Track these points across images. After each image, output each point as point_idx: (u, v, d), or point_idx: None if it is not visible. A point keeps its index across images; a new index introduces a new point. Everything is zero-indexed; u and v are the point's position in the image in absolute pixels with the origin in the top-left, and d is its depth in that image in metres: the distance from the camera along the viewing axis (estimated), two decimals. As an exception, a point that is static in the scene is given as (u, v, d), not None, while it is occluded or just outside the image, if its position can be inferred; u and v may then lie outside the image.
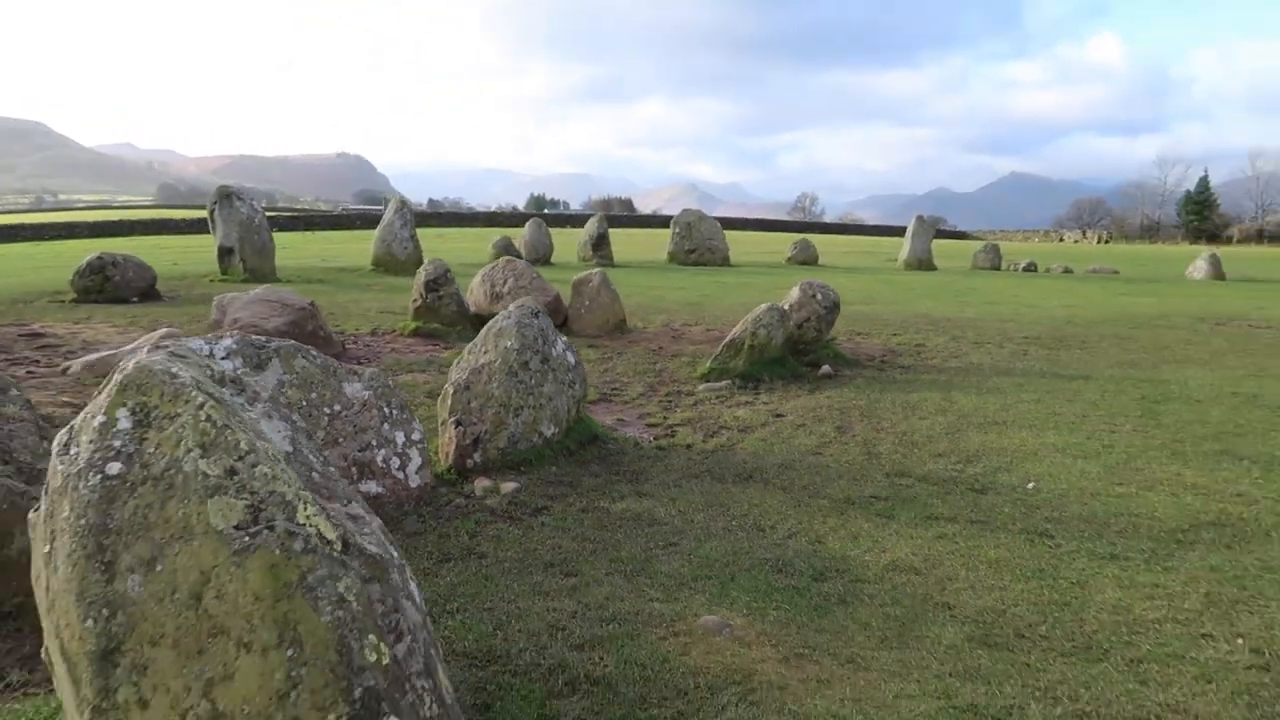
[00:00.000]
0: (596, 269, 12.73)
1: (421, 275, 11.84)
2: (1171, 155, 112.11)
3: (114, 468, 2.08)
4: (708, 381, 8.95)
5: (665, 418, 7.58)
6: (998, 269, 30.85)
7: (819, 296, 10.19)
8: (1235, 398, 8.56)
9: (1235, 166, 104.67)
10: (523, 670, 3.24)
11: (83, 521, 2.02)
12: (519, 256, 23.23)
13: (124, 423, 2.14)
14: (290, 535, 2.06)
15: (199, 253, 27.82)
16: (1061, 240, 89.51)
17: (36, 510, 2.27)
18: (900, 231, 45.00)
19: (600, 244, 27.16)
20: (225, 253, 19.30)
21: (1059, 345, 12.05)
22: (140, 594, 1.98)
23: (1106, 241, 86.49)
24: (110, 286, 15.22)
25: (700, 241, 28.22)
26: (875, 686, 3.25)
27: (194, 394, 2.20)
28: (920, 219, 31.19)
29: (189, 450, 2.10)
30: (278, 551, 2.03)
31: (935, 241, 33.02)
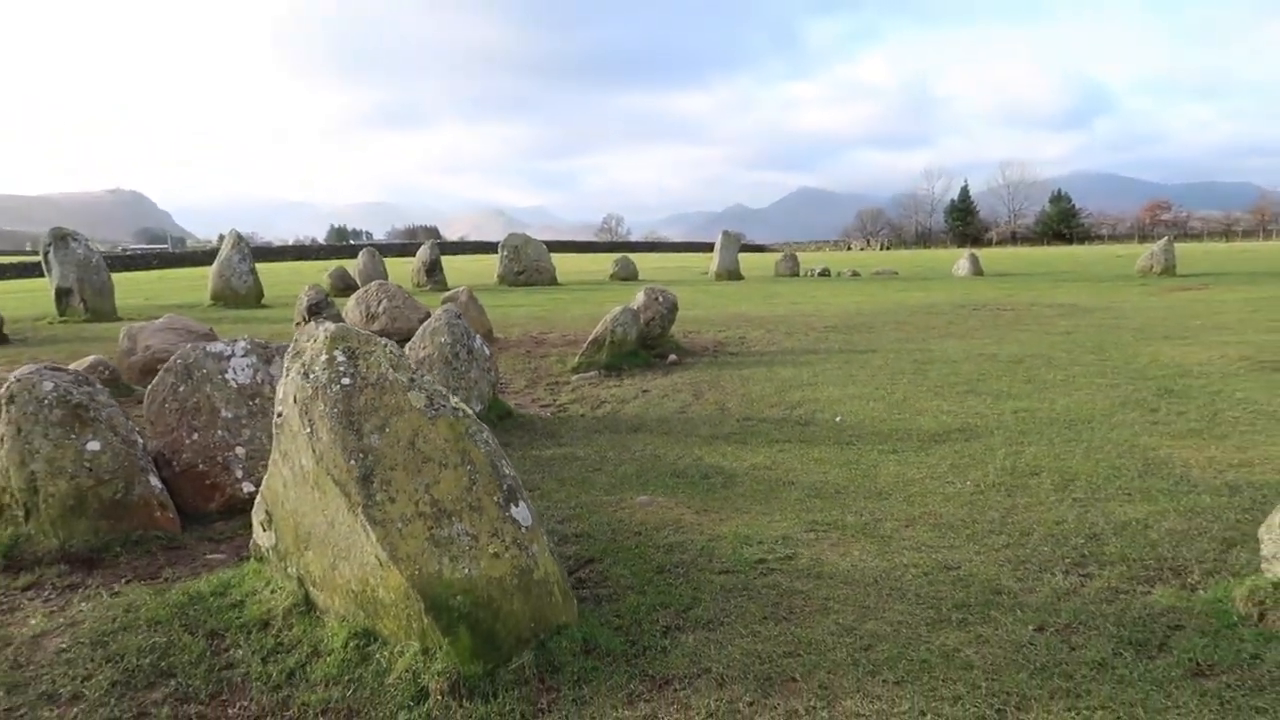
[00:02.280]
0: (462, 287, 14.25)
1: (304, 300, 12.98)
2: (936, 167, 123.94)
3: (346, 381, 3.65)
4: (578, 373, 10.76)
5: (554, 399, 9.32)
6: (797, 275, 34.36)
7: (660, 299, 12.22)
8: (980, 358, 11.25)
9: (990, 175, 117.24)
10: (551, 524, 4.93)
11: (338, 409, 3.58)
12: (356, 286, 24.15)
13: (341, 357, 3.72)
14: (454, 410, 3.72)
15: (15, 297, 26.85)
16: (849, 249, 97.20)
17: (279, 416, 3.80)
18: (704, 247, 48.34)
19: (434, 269, 28.36)
20: (63, 294, 19.26)
21: (851, 330, 14.67)
22: (379, 444, 3.56)
23: (887, 248, 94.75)
24: (-42, 332, 15.22)
25: (529, 263, 29.93)
26: (755, 519, 5.18)
27: (378, 340, 3.82)
28: (726, 234, 34.26)
29: (389, 369, 3.71)
30: (450, 418, 3.68)
31: (742, 255, 36.29)
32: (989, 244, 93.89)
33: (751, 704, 3.18)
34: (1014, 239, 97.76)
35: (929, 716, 3.05)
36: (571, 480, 6.18)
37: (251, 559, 4.36)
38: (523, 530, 3.62)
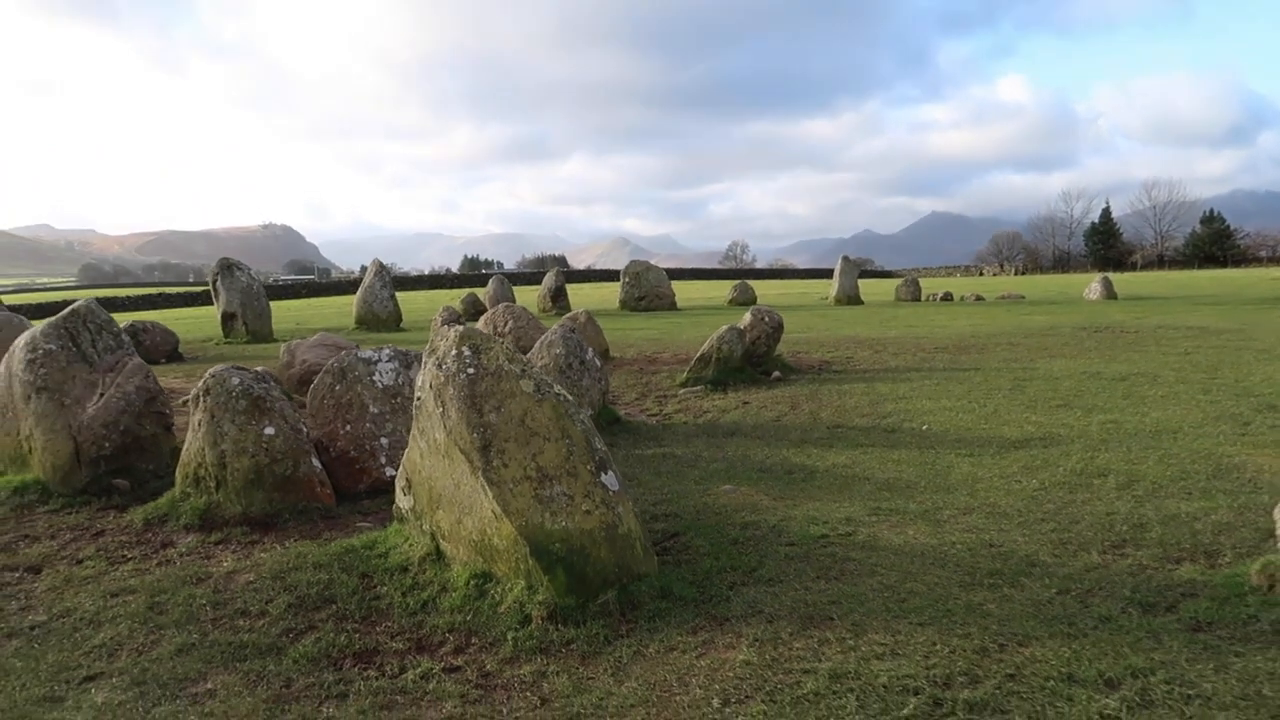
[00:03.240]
0: (582, 310, 15.25)
1: (438, 320, 14.20)
2: (1075, 189, 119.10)
3: (470, 370, 4.51)
4: (686, 387, 11.50)
5: (661, 409, 10.09)
6: (918, 300, 34.18)
7: (766, 319, 12.84)
8: (1083, 376, 11.39)
9: (1136, 197, 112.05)
10: (640, 509, 5.69)
11: (464, 392, 4.44)
12: (486, 309, 25.65)
13: (467, 351, 4.58)
14: (558, 395, 4.53)
15: (184, 323, 29.62)
16: (981, 274, 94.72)
17: (418, 400, 4.70)
18: (829, 274, 48.39)
19: (559, 295, 29.73)
20: (229, 318, 21.37)
21: (960, 351, 14.89)
22: (496, 420, 4.40)
23: (1021, 273, 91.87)
24: (142, 350, 17.23)
25: (649, 289, 30.96)
26: (825, 505, 5.79)
27: (497, 339, 4.67)
28: (846, 259, 34.44)
29: (505, 361, 4.56)
30: (555, 401, 4.49)
31: (864, 280, 36.43)
32: (1133, 267, 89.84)
33: (791, 634, 3.83)
34: (1161, 262, 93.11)
35: (938, 645, 3.63)
36: (667, 473, 6.92)
37: (394, 521, 5.27)
38: (610, 493, 4.39)
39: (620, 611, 4.13)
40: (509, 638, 3.97)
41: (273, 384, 6.43)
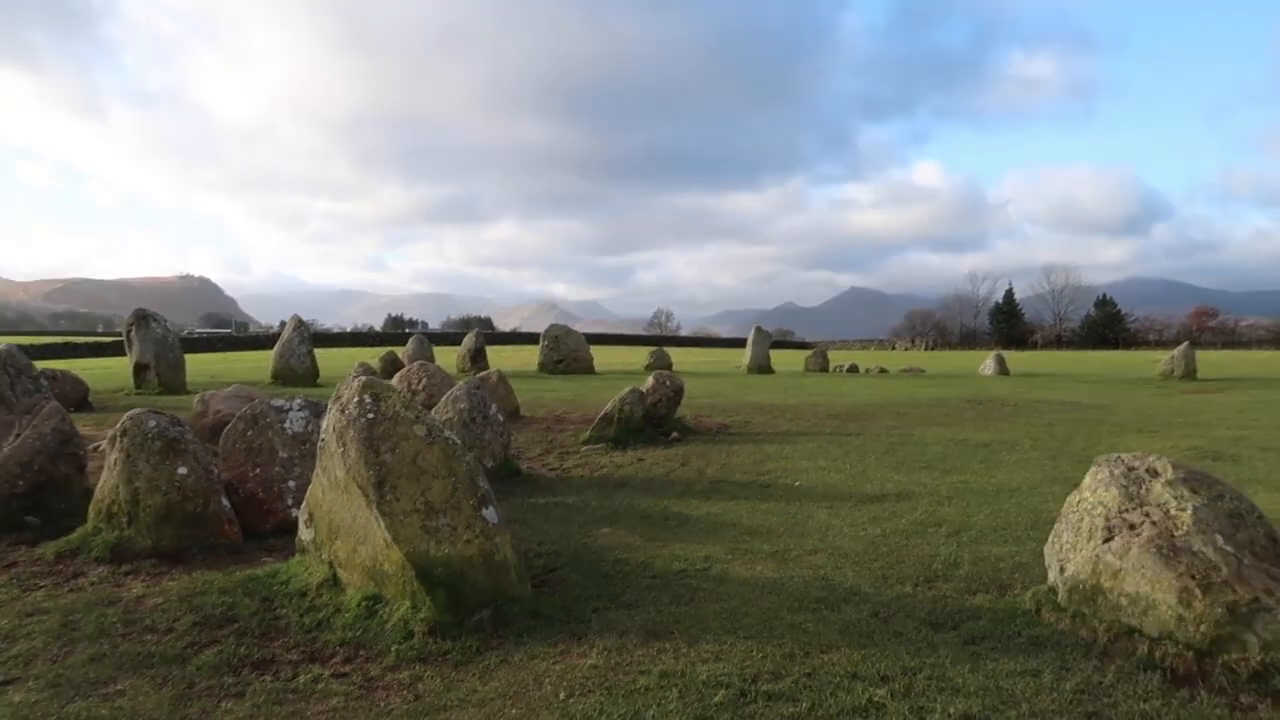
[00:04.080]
0: (494, 370, 15.86)
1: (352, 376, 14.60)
2: (982, 270, 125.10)
3: (370, 415, 5.13)
4: (588, 445, 12.17)
5: (561, 464, 10.74)
6: (825, 371, 35.63)
7: (668, 383, 13.65)
8: (952, 442, 12.43)
9: (1037, 280, 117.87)
10: (525, 548, 6.31)
11: (364, 434, 5.05)
12: (404, 367, 25.98)
13: (368, 398, 5.21)
14: (447, 439, 5.17)
15: (93, 372, 29.13)
16: (894, 348, 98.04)
17: (323, 441, 5.28)
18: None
19: (478, 356, 30.23)
20: (141, 368, 21.33)
21: (850, 418, 15.91)
22: (390, 460, 5.01)
23: (931, 348, 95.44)
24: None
25: (567, 352, 31.67)
26: (690, 547, 6.49)
27: (395, 388, 5.31)
28: (759, 329, 35.80)
29: (401, 408, 5.19)
30: (444, 444, 5.12)
31: (781, 351, 37.82)
32: (1033, 346, 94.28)
33: (636, 645, 4.50)
34: (1059, 342, 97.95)
35: (755, 652, 4.34)
36: (556, 519, 7.56)
37: (297, 553, 5.79)
38: (490, 525, 5.03)
39: (493, 628, 4.74)
40: (393, 649, 4.54)
41: (187, 428, 6.90)
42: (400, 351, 31.38)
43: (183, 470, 6.54)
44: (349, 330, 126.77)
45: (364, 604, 4.96)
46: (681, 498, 8.51)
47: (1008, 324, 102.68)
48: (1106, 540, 4.68)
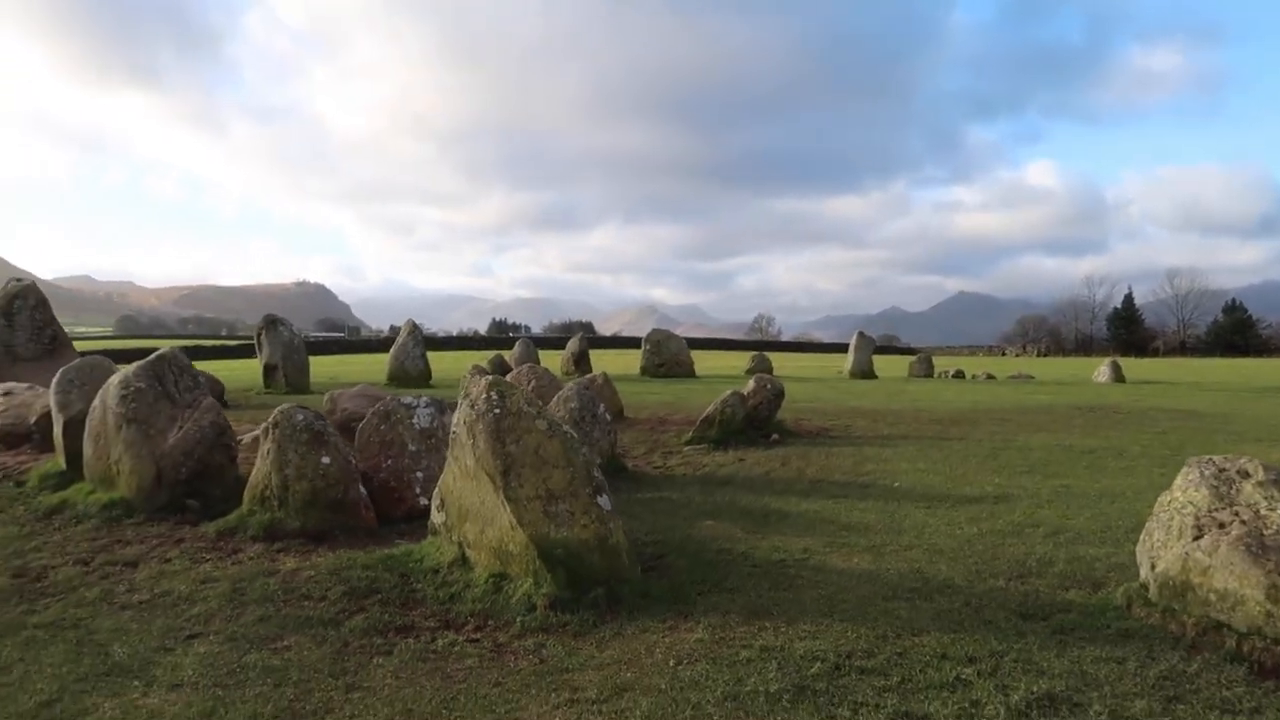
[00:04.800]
0: (600, 372, 16.44)
1: (467, 377, 15.37)
2: (1099, 274, 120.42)
3: (497, 410, 5.66)
4: (690, 445, 12.57)
5: (665, 463, 11.17)
6: (930, 376, 35.15)
7: (769, 386, 13.95)
8: (1056, 448, 12.35)
9: (1159, 285, 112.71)
10: (633, 537, 6.77)
11: (491, 428, 5.58)
12: (511, 370, 26.90)
13: (495, 395, 5.74)
14: (565, 433, 5.66)
15: (224, 373, 31.08)
16: (1003, 354, 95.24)
17: (454, 434, 5.84)
18: (848, 347, 49.72)
19: (581, 360, 31.00)
20: (270, 369, 22.76)
21: (953, 423, 15.88)
22: (515, 450, 5.52)
23: (1043, 355, 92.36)
24: (191, 396, 18.57)
25: (669, 356, 32.15)
26: (789, 539, 6.83)
27: (518, 389, 5.83)
28: (861, 334, 35.58)
29: (524, 404, 5.70)
30: (563, 437, 5.62)
31: (884, 356, 37.49)
32: (1154, 354, 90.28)
33: (739, 623, 4.89)
34: (1183, 349, 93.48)
35: (850, 633, 4.67)
36: (662, 512, 7.99)
37: (429, 535, 6.38)
38: (604, 512, 5.49)
39: (607, 605, 5.20)
40: (518, 620, 5.04)
41: (328, 422, 7.61)
42: (507, 355, 32.43)
43: (326, 460, 7.24)
44: (455, 334, 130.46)
45: (491, 580, 5.48)
46: (781, 495, 8.83)
47: (1127, 330, 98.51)
48: (1196, 538, 4.83)
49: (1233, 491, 4.90)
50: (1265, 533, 4.60)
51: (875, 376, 33.82)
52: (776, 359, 45.78)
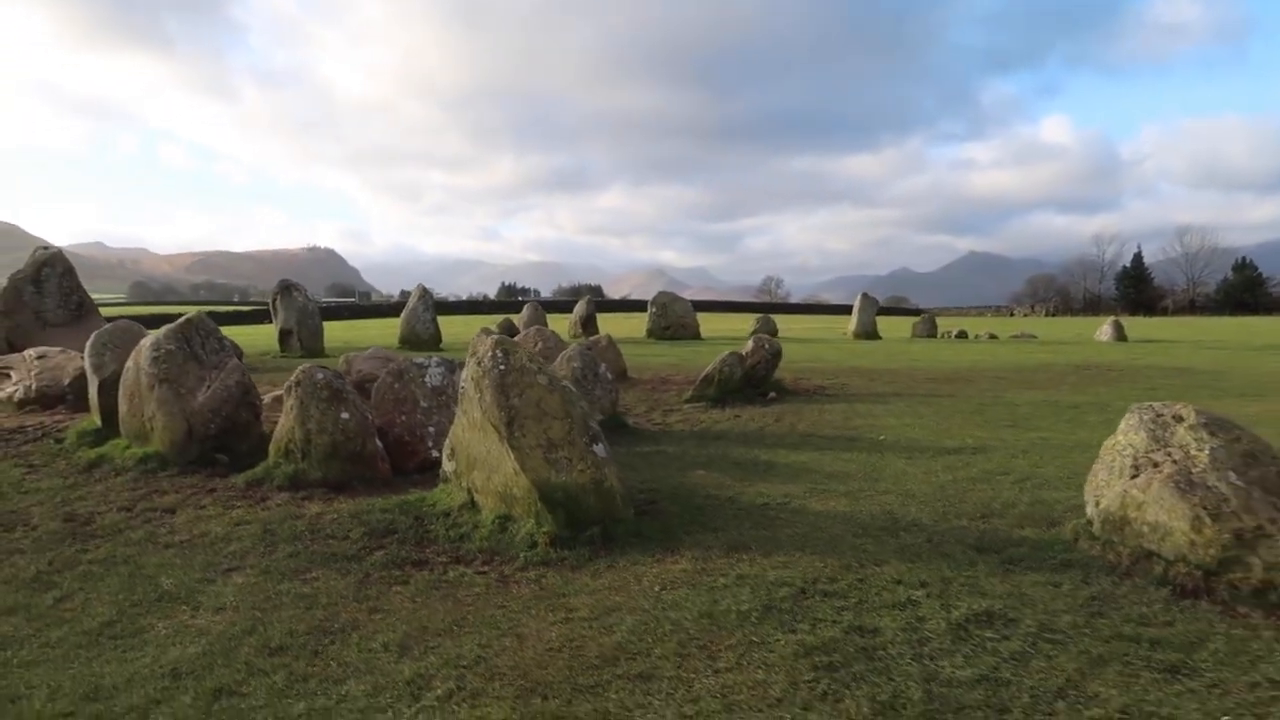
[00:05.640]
0: (604, 335, 16.95)
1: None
2: (1108, 233, 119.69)
3: (502, 366, 6.18)
4: (689, 403, 13.11)
5: (664, 419, 11.72)
6: (933, 336, 35.56)
7: (766, 346, 14.44)
8: (1042, 404, 12.84)
9: (1169, 243, 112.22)
10: (629, 485, 7.31)
11: (496, 383, 6.10)
12: (519, 333, 27.44)
13: (500, 353, 6.26)
14: (564, 387, 6.19)
15: (240, 337, 31.71)
16: (1012, 314, 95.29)
17: (462, 389, 6.38)
18: (854, 309, 50.08)
19: (589, 323, 31.50)
20: (285, 334, 23.35)
21: (948, 382, 16.37)
22: (518, 403, 6.05)
23: (1052, 314, 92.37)
24: (210, 360, 19.16)
25: (674, 319, 32.63)
26: (774, 486, 7.36)
27: (521, 348, 6.35)
28: (864, 296, 35.95)
29: (526, 361, 6.22)
30: (563, 392, 6.14)
31: (891, 318, 37.89)
32: (1163, 312, 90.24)
33: (719, 556, 5.44)
34: (1192, 308, 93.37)
35: (818, 563, 5.22)
36: (657, 464, 8.54)
37: (440, 483, 6.94)
38: (600, 458, 6.03)
39: (602, 542, 5.75)
40: (521, 555, 5.60)
41: (346, 381, 8.15)
42: (515, 319, 32.97)
43: (345, 415, 7.79)
44: (464, 299, 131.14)
45: (496, 522, 6.04)
46: (771, 448, 9.37)
47: (1135, 289, 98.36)
48: (1134, 477, 5.35)
49: (1167, 434, 5.40)
50: (1193, 471, 5.10)
51: (879, 337, 34.26)
52: (783, 321, 46.22)
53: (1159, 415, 5.56)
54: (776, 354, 14.57)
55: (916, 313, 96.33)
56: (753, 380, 14.09)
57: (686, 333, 32.27)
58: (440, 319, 30.22)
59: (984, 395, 14.06)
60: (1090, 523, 5.67)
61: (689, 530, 6.09)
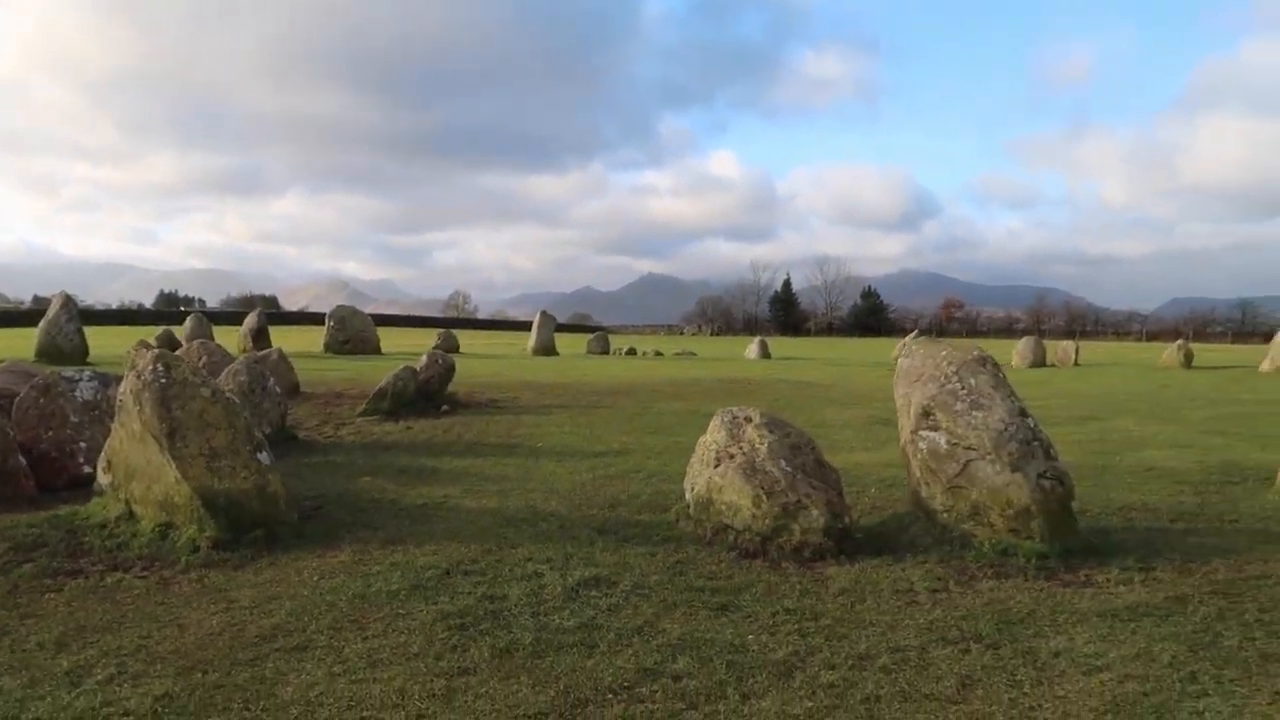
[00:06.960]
0: (275, 348, 16.69)
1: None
2: (763, 260, 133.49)
3: (163, 379, 6.39)
4: (363, 416, 13.46)
5: (335, 432, 12.02)
6: (606, 353, 37.97)
7: (439, 361, 15.11)
8: (686, 413, 14.66)
9: (811, 272, 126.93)
10: (296, 493, 7.67)
11: (157, 395, 6.30)
12: (181, 346, 25.82)
13: (161, 367, 6.46)
14: (228, 399, 6.53)
15: None
16: (682, 333, 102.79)
17: (120, 401, 6.49)
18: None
19: (260, 335, 30.22)
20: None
21: (609, 394, 17.95)
22: (180, 415, 6.29)
23: (717, 333, 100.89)
24: None
25: (354, 333, 32.17)
26: (434, 489, 8.11)
27: (184, 361, 6.60)
28: (544, 314, 37.60)
29: (190, 374, 6.48)
30: (225, 403, 6.47)
31: (575, 335, 39.71)
32: (807, 333, 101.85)
33: (377, 548, 6.12)
34: (830, 329, 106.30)
35: (464, 549, 6.06)
36: (325, 473, 8.97)
37: (95, 496, 6.93)
38: (263, 465, 6.45)
39: (265, 543, 6.18)
40: (183, 559, 5.90)
41: (-18, 395, 7.78)
42: (178, 330, 30.82)
43: (-19, 431, 7.45)
44: (115, 307, 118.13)
45: (157, 530, 6.25)
46: (437, 456, 10.10)
47: (785, 311, 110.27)
48: (716, 466, 6.74)
49: (740, 432, 6.86)
50: (756, 460, 6.56)
51: (557, 354, 35.98)
52: (469, 336, 46.88)
53: (735, 417, 7.02)
54: (450, 369, 15.28)
55: (599, 329, 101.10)
56: (426, 393, 14.69)
57: (367, 347, 31.95)
58: (87, 329, 27.54)
59: (638, 406, 15.71)
60: (689, 506, 7.01)
61: (351, 529, 6.68)
